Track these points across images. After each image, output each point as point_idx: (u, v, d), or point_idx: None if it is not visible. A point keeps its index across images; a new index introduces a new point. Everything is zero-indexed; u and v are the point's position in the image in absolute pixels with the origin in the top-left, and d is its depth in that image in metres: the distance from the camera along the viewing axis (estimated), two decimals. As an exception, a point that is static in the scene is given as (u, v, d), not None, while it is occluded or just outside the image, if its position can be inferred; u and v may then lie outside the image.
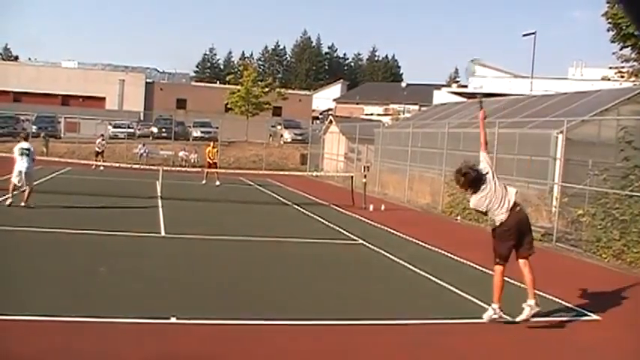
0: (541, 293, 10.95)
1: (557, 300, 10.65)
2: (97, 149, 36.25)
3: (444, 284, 11.24)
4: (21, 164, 17.68)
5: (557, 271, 14.00)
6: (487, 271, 12.73)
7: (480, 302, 10.07)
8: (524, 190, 20.30)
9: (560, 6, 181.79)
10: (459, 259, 13.70)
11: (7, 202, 17.34)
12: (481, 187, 8.87)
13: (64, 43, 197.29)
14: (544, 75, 57.25)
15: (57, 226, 14.90)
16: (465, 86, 71.85)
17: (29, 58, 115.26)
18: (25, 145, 18.00)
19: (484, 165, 9.05)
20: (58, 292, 9.37)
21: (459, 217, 21.03)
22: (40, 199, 17.60)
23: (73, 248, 12.80)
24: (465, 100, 46.29)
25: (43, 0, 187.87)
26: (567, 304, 10.41)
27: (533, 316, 8.91)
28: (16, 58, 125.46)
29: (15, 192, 17.58)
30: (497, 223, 8.95)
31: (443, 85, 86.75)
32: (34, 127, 50.17)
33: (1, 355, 6.93)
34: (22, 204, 17.30)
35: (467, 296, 10.48)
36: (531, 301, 8.88)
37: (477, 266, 13.12)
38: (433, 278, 11.80)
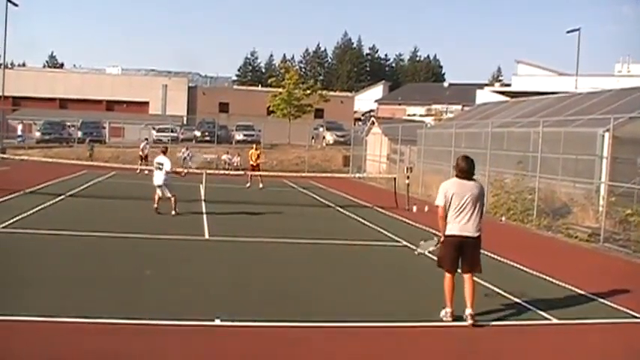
0: (591, 296, 10.78)
1: (607, 303, 10.42)
2: (140, 153, 36.61)
3: (490, 286, 11.07)
4: (156, 178, 18.61)
5: (606, 273, 13.75)
6: (535, 273, 12.56)
7: (525, 304, 9.93)
8: (570, 190, 20.00)
9: (606, 2, 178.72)
10: (507, 261, 13.45)
11: (172, 213, 18.28)
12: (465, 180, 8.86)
13: (108, 50, 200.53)
14: (590, 72, 56.36)
15: (100, 230, 15.09)
16: (509, 85, 71.03)
17: (74, 65, 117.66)
18: (160, 159, 18.87)
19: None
20: (105, 295, 9.47)
21: (503, 218, 20.78)
22: (85, 204, 17.85)
23: (117, 252, 12.93)
24: (508, 99, 45.73)
25: (87, 7, 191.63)
26: (617, 307, 10.17)
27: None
28: (62, 65, 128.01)
29: (159, 202, 18.51)
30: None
31: (485, 85, 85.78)
32: (80, 132, 51.11)
33: (49, 356, 7.03)
34: (173, 212, 18.23)
35: (514, 298, 10.32)
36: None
37: (526, 268, 12.92)
38: (479, 281, 11.64)
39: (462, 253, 8.80)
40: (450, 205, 8.76)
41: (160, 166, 18.55)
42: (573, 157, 20.22)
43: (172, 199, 18.48)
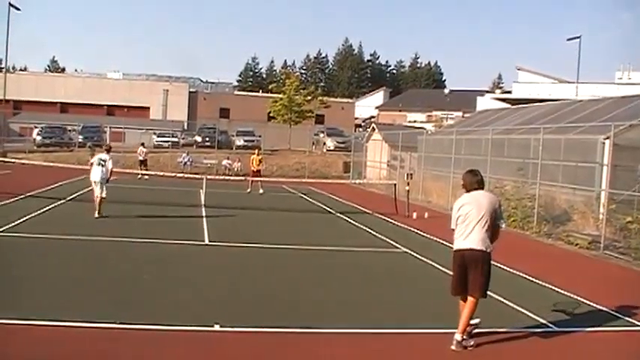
0: (590, 303, 10.76)
1: (606, 310, 10.40)
2: (139, 158, 36.63)
3: (489, 292, 11.05)
4: (95, 174, 18.20)
5: (606, 280, 13.73)
6: (535, 280, 12.56)
7: (525, 311, 9.93)
8: (570, 197, 20.00)
9: (607, 8, 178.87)
10: (506, 268, 13.39)
11: (95, 215, 17.92)
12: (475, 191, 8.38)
13: (109, 55, 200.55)
14: (590, 79, 56.33)
15: (100, 235, 15.08)
16: (509, 92, 71.03)
17: (75, 70, 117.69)
18: (103, 156, 18.60)
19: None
20: (103, 299, 9.46)
21: (503, 225, 20.73)
22: (85, 208, 17.86)
23: (116, 256, 12.92)
24: (508, 106, 45.75)
25: (88, 12, 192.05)
26: (617, 314, 10.15)
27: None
28: (63, 69, 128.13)
29: (101, 203, 18.15)
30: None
31: (486, 91, 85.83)
32: (81, 137, 51.08)
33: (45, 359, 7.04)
34: (96, 215, 17.89)
35: (514, 306, 10.32)
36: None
37: (526, 276, 12.93)
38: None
39: (467, 271, 8.21)
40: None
41: (103, 162, 18.34)
42: (573, 165, 20.21)
43: (99, 199, 18.06)
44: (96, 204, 18.13)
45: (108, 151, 19.13)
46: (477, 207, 8.20)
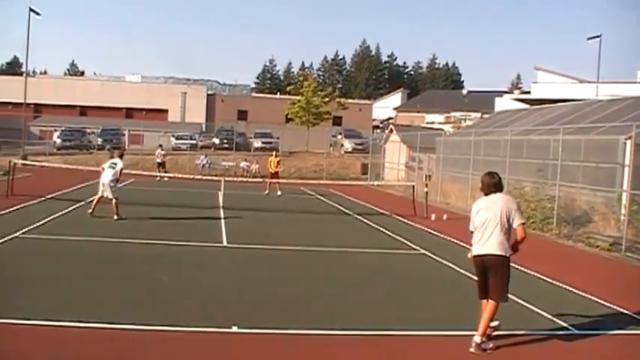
0: (611, 306, 10.65)
1: (628, 313, 10.29)
2: (157, 160, 36.82)
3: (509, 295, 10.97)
4: (104, 176, 18.47)
5: (627, 282, 13.60)
6: (555, 282, 12.46)
7: (545, 313, 9.85)
8: (590, 198, 19.82)
9: (628, 8, 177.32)
10: (526, 270, 13.26)
11: (89, 211, 18.18)
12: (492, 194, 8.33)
13: (127, 57, 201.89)
14: (611, 79, 55.79)
15: (120, 236, 15.13)
16: (528, 92, 70.64)
17: (95, 73, 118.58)
18: (114, 160, 18.85)
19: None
20: (121, 301, 9.49)
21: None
22: (104, 211, 17.96)
23: (135, 258, 12.95)
24: (527, 106, 45.46)
25: (107, 16, 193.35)
26: (639, 317, 10.03)
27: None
28: (82, 73, 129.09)
29: (97, 203, 18.37)
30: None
31: (505, 92, 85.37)
32: (100, 139, 51.49)
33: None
34: (115, 217, 17.94)
35: (533, 308, 10.24)
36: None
37: (545, 278, 12.82)
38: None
39: (487, 275, 8.20)
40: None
41: (114, 165, 18.51)
42: (594, 165, 20.02)
43: (114, 201, 18.19)
44: (93, 204, 18.39)
45: (121, 156, 19.26)
46: (494, 212, 8.17)
